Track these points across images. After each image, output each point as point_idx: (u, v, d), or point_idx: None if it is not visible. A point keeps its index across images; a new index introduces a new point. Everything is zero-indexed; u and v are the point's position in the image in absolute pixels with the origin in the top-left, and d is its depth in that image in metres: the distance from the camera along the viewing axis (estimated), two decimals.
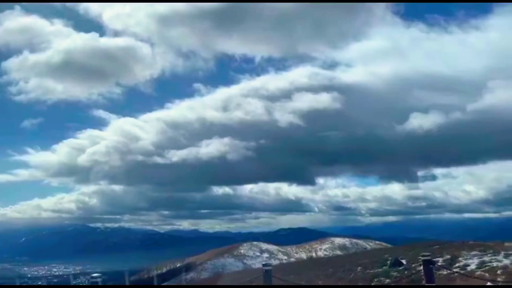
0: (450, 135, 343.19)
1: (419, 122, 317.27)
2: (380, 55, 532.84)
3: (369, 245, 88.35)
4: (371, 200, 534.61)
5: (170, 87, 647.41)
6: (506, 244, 28.13)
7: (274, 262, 73.49)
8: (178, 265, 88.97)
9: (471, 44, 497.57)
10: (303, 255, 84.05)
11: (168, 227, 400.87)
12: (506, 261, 22.18)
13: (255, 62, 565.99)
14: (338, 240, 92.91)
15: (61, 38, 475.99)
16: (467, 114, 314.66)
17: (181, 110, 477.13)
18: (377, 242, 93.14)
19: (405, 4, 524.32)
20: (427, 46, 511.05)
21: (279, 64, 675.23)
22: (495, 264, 21.68)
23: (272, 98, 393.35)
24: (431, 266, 10.52)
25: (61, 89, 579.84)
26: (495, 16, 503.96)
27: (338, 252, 79.56)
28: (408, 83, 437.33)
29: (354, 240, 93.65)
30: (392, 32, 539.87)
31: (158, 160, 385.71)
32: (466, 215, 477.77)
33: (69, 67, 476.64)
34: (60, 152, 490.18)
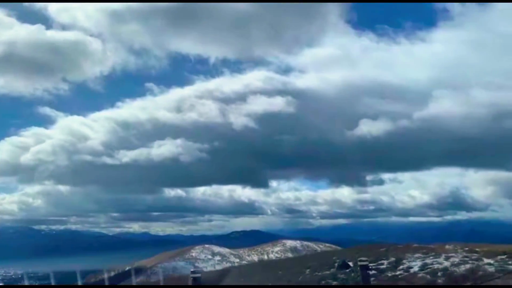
0: (397, 141, 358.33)
1: (368, 128, 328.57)
2: (332, 63, 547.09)
3: (319, 247, 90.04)
4: (322, 203, 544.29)
5: (121, 85, 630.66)
6: (447, 246, 29.58)
7: (226, 264, 73.32)
8: (127, 268, 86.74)
9: (417, 55, 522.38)
10: (255, 258, 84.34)
11: (118, 230, 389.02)
12: (446, 263, 23.30)
13: (210, 64, 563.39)
14: (290, 243, 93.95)
15: (3, 29, 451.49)
16: (413, 121, 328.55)
17: (132, 110, 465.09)
18: (326, 244, 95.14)
19: (357, 14, 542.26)
20: (376, 55, 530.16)
21: (234, 67, 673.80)
22: (436, 266, 22.72)
23: (227, 100, 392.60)
24: (368, 271, 10.81)
25: (2, 83, 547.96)
26: (439, 29, 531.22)
27: (290, 255, 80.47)
28: (358, 91, 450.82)
29: (305, 243, 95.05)
30: (344, 41, 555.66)
31: (108, 160, 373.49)
32: (411, 218, 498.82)
33: (11, 60, 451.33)
34: (2, 150, 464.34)
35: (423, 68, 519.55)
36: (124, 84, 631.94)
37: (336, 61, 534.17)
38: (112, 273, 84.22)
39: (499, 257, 24.41)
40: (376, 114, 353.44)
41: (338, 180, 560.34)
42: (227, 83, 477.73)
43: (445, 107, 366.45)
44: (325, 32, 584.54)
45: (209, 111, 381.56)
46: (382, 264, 23.35)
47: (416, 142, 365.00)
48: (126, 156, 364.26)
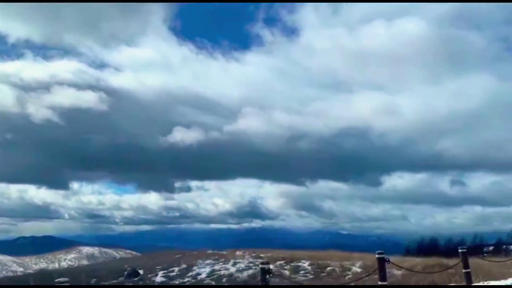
0: (207, 151, 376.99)
1: (181, 136, 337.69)
2: (151, 66, 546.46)
3: (119, 254, 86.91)
4: (127, 208, 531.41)
5: None
6: (237, 252, 31.76)
7: (7, 274, 64.72)
8: None
9: (231, 73, 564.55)
10: (44, 266, 76.37)
11: None
12: (232, 269, 24.89)
13: (9, 43, 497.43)
14: (87, 249, 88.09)
15: None
16: (223, 134, 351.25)
17: None
18: (127, 251, 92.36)
19: (181, 23, 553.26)
20: (195, 66, 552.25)
21: (39, 51, 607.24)
22: (222, 272, 24.02)
23: (27, 88, 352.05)
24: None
25: None
26: (252, 53, 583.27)
27: (85, 262, 75.40)
28: (174, 98, 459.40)
29: (104, 249, 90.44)
30: (165, 46, 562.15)
31: None
32: (212, 225, 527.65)
33: None
34: None
35: (235, 85, 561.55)
36: None
37: (154, 65, 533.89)
38: None
39: (278, 262, 27.24)
40: (190, 123, 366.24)
41: (146, 185, 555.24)
42: (29, 69, 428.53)
43: (251, 124, 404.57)
44: (146, 33, 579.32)
45: (3, 97, 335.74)
46: (173, 271, 23.61)
47: (224, 153, 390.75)
48: None
